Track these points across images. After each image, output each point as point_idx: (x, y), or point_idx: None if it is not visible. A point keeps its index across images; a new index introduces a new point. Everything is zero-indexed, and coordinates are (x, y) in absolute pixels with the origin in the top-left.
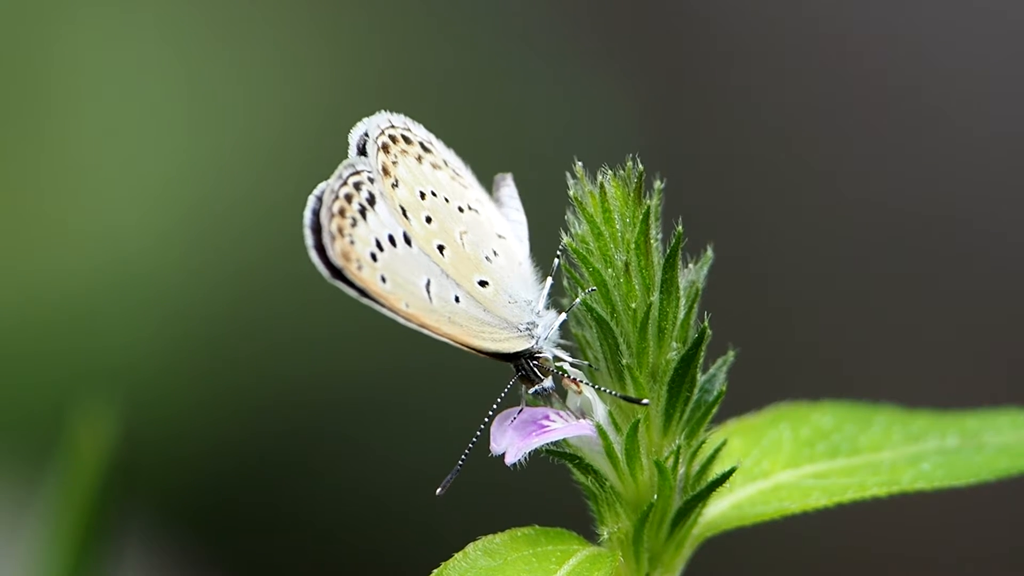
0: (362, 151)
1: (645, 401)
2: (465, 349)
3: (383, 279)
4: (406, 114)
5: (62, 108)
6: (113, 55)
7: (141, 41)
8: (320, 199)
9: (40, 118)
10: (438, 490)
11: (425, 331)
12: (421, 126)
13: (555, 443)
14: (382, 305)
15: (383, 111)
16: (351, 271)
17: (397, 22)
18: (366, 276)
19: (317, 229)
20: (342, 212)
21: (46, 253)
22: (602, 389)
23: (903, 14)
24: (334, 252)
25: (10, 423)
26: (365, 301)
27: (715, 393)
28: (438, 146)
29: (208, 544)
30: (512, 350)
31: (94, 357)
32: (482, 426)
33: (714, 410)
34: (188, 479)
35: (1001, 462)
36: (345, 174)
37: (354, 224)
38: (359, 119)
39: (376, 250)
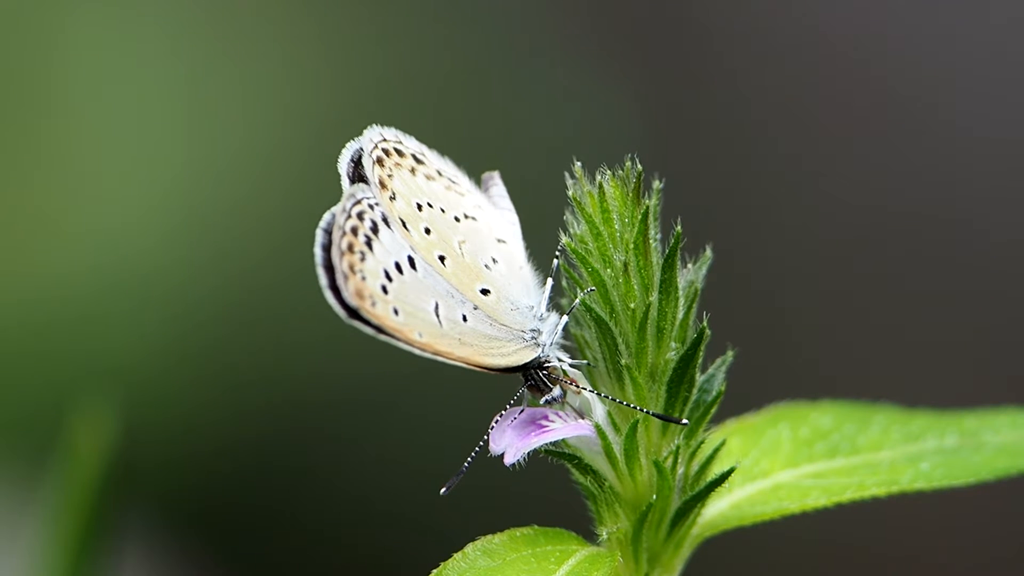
0: (356, 169)
1: (684, 422)
2: (479, 370)
3: (396, 311)
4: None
5: (62, 109)
6: (113, 56)
7: (141, 42)
8: (329, 233)
9: (40, 119)
10: (442, 490)
11: (440, 359)
12: (412, 138)
13: (554, 443)
14: (398, 339)
15: (374, 126)
16: (366, 309)
17: (396, 23)
18: (380, 312)
19: (329, 267)
20: (351, 248)
21: (46, 253)
22: (625, 404)
23: (903, 15)
24: (349, 292)
25: (10, 423)
26: (383, 338)
27: (714, 393)
28: (430, 156)
29: (208, 544)
30: (521, 362)
31: (94, 357)
32: (490, 430)
33: (713, 410)
34: (188, 479)
35: (1000, 462)
36: (348, 206)
37: (363, 258)
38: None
39: (386, 281)
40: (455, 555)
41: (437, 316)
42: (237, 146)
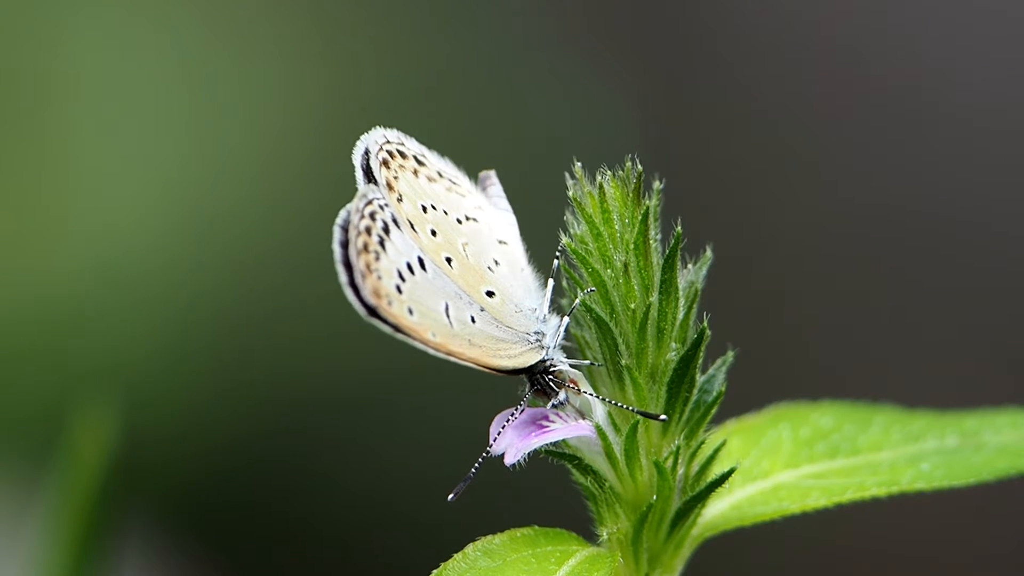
0: (366, 171)
1: (663, 417)
2: (487, 371)
3: (410, 311)
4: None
5: (62, 108)
6: (113, 55)
7: (141, 42)
8: (346, 231)
9: (40, 118)
10: (450, 496)
11: (452, 359)
12: (413, 139)
13: (554, 444)
14: (413, 339)
15: (378, 127)
16: (384, 308)
17: (396, 22)
18: (396, 311)
19: (347, 264)
20: (366, 247)
21: (46, 253)
22: (614, 403)
23: (903, 14)
24: (367, 291)
25: (10, 423)
26: (400, 336)
27: (714, 393)
28: (431, 158)
29: (208, 544)
30: (527, 364)
31: (94, 357)
32: (491, 431)
33: (713, 410)
34: (188, 479)
35: (1001, 462)
36: (361, 206)
37: (377, 258)
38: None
39: (399, 281)
40: (455, 555)
41: (448, 317)
42: (237, 145)
